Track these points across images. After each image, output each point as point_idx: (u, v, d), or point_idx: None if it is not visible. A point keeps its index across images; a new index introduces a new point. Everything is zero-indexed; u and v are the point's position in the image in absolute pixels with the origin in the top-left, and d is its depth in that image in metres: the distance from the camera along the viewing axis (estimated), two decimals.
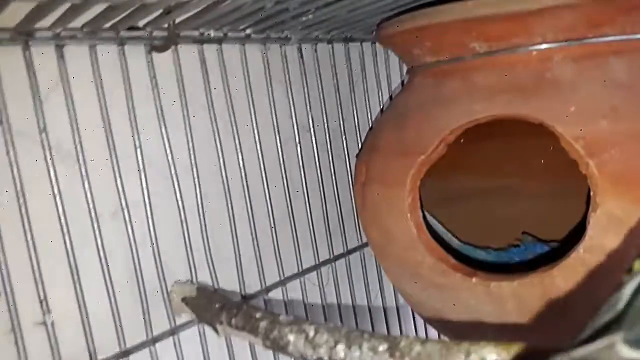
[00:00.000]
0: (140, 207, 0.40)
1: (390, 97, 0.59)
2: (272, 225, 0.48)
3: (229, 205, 0.45)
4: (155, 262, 0.40)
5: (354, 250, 0.55)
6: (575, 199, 0.59)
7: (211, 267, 0.44)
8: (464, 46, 0.39)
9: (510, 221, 0.59)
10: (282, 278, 0.49)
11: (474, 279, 0.36)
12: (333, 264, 0.53)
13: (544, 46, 0.37)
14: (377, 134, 0.45)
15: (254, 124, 0.47)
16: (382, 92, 0.58)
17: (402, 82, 0.57)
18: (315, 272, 0.51)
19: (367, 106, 0.57)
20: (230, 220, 0.45)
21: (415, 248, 0.39)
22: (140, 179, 0.40)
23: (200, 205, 0.43)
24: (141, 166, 0.40)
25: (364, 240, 0.56)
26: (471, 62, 0.39)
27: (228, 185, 0.45)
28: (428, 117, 0.40)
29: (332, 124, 0.54)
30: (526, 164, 0.58)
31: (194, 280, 0.43)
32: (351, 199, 0.55)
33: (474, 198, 0.57)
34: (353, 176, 0.54)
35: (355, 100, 0.55)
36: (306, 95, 0.51)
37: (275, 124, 0.48)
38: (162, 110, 0.41)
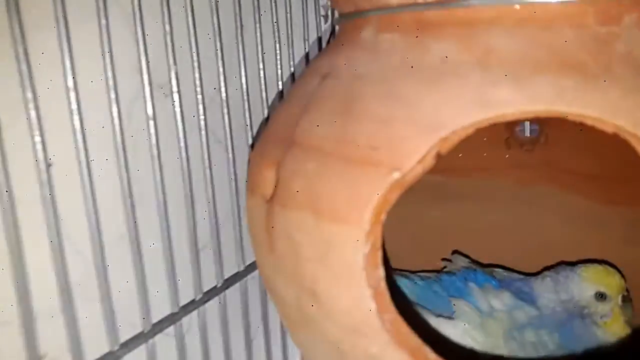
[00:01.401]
0: None
1: (309, 54, 0.40)
2: (99, 256, 0.27)
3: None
4: None
5: (233, 280, 0.36)
6: (528, 205, 0.47)
7: None
8: None
9: (436, 231, 0.45)
10: (115, 349, 0.28)
11: None
12: (203, 306, 0.34)
13: None
14: (295, 118, 0.26)
15: (67, 81, 0.25)
16: (279, 41, 0.39)
17: (333, 32, 0.38)
18: (173, 326, 0.32)
19: (261, 66, 0.37)
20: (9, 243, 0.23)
21: (371, 333, 0.22)
22: None
23: None
24: None
25: (247, 261, 0.37)
26: (477, 11, 0.22)
27: (7, 181, 0.23)
28: (405, 102, 0.22)
29: (207, 87, 0.33)
30: (467, 157, 0.44)
31: None
32: (232, 205, 0.35)
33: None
34: (237, 174, 0.35)
35: (243, 50, 0.35)
36: (166, 36, 0.30)
37: (110, 78, 0.27)
38: None
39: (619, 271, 0.35)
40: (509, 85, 0.20)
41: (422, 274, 0.41)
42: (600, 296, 0.34)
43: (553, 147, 0.46)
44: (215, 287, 0.34)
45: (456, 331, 0.36)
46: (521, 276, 0.40)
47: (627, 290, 0.35)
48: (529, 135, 0.48)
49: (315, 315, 0.23)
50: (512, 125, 0.47)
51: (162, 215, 0.30)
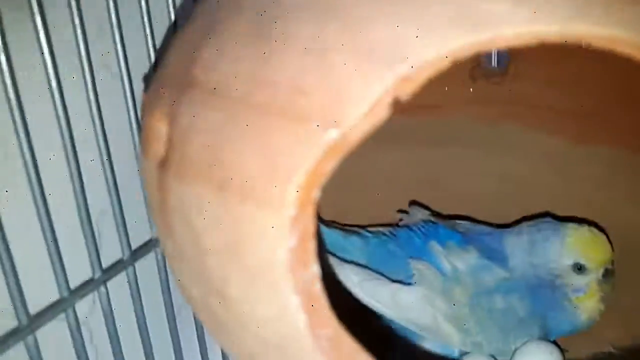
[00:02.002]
0: None
1: None
2: None
3: None
4: None
5: (145, 250, 0.29)
6: (494, 146, 0.40)
7: None
8: None
9: (389, 179, 0.39)
10: None
11: None
12: (102, 287, 0.27)
13: None
14: (195, 46, 0.18)
15: None
16: None
17: None
18: (64, 314, 0.25)
19: None
20: None
21: (300, 354, 0.15)
22: None
23: None
24: None
25: None
26: None
27: None
28: (347, 22, 0.14)
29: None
30: (424, 92, 0.37)
31: None
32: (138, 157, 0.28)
33: None
34: (139, 127, 0.27)
35: None
36: None
37: None
38: None
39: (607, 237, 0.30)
40: None
41: (374, 229, 0.35)
42: (579, 268, 0.29)
43: (523, 80, 0.40)
44: (120, 260, 0.27)
45: (415, 298, 0.30)
46: (490, 229, 0.34)
47: (612, 262, 0.29)
48: (496, 65, 0.41)
49: (228, 322, 0.17)
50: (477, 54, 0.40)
51: (34, 180, 0.22)
